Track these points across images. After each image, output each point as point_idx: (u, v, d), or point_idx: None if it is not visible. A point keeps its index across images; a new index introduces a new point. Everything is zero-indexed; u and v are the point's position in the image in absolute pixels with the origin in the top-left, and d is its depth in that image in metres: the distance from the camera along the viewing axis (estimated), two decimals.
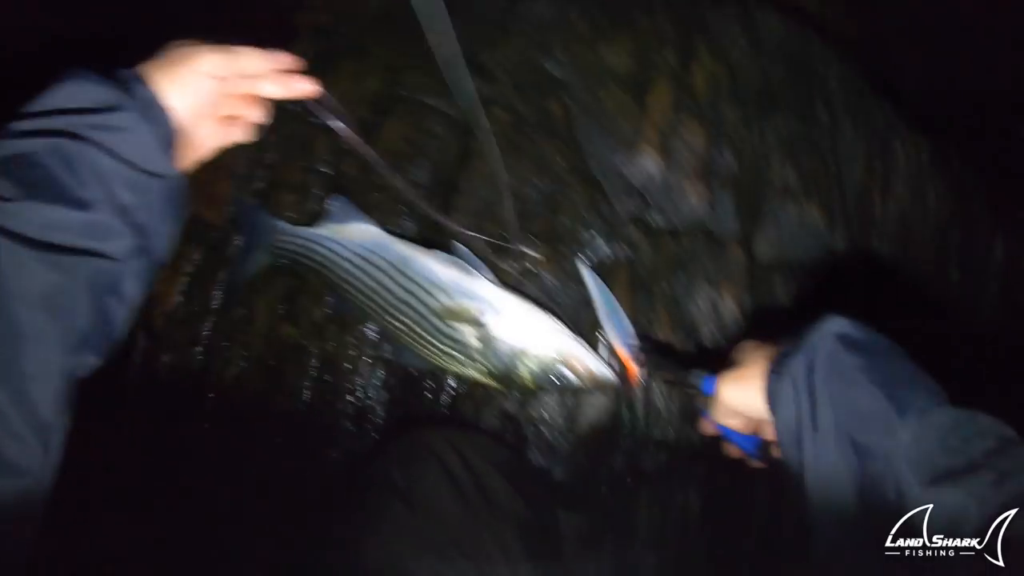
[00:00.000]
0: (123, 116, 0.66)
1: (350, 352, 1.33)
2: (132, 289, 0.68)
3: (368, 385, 1.33)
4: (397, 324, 1.20)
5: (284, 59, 0.83)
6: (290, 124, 1.46)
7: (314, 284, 1.36)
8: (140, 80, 0.70)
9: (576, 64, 1.38)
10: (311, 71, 1.43)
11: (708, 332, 1.35)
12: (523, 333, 1.15)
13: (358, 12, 1.52)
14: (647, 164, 1.35)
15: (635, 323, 1.28)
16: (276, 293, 1.39)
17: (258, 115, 0.85)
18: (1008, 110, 2.10)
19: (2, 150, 0.63)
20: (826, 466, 0.72)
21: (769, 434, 0.95)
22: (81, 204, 0.63)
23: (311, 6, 1.55)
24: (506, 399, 1.28)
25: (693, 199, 1.37)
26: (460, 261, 1.19)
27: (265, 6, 1.55)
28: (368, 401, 1.32)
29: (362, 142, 1.01)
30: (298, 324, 1.37)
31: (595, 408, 1.29)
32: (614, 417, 1.30)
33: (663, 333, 1.32)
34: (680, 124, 1.36)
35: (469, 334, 1.17)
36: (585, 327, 1.27)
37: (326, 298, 1.34)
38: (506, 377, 1.17)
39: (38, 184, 0.62)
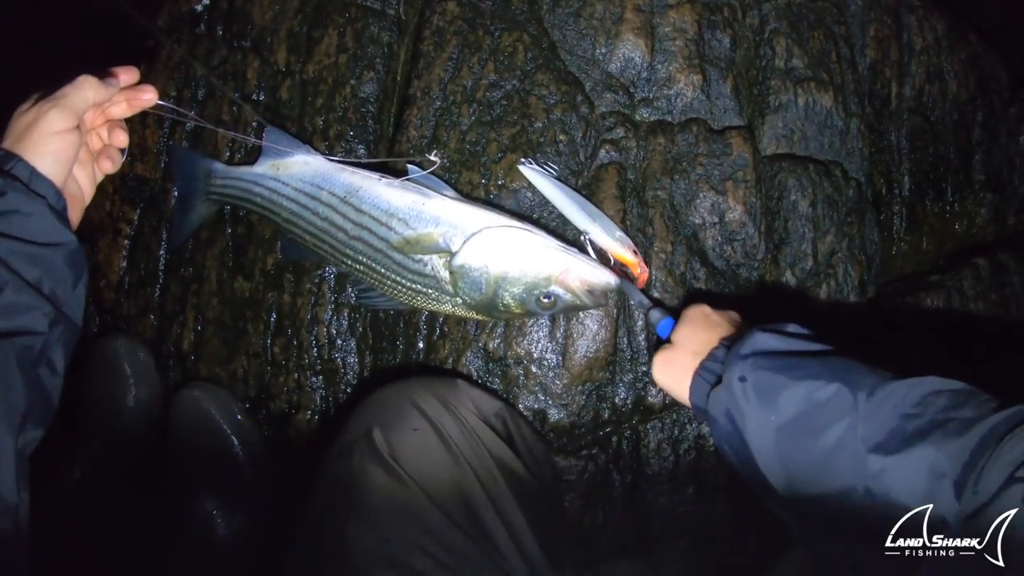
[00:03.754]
0: (9, 199, 0.68)
1: (311, 300, 1.16)
2: (59, 359, 0.70)
3: (335, 335, 1.17)
4: (355, 265, 1.03)
5: (123, 76, 0.85)
6: (218, 51, 1.28)
7: (261, 230, 1.19)
8: (15, 157, 0.72)
9: None
10: None
11: (713, 243, 1.17)
12: (501, 254, 0.97)
13: None
14: (630, 52, 1.16)
15: (628, 232, 1.11)
16: (222, 245, 1.22)
17: (120, 139, 0.86)
18: None
19: None
20: (772, 468, 0.72)
21: None
22: None
23: None
24: (489, 336, 1.11)
25: (686, 90, 1.18)
26: (415, 183, 1.01)
27: None
28: (336, 354, 1.16)
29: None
30: (251, 277, 1.21)
31: (590, 336, 1.12)
32: (612, 344, 1.14)
33: (660, 246, 1.14)
34: (665, 3, 1.17)
35: (437, 265, 0.99)
36: (569, 239, 1.09)
37: (276, 244, 1.17)
38: (488, 307, 1.00)
39: None
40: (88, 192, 0.83)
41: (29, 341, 0.66)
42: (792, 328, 0.80)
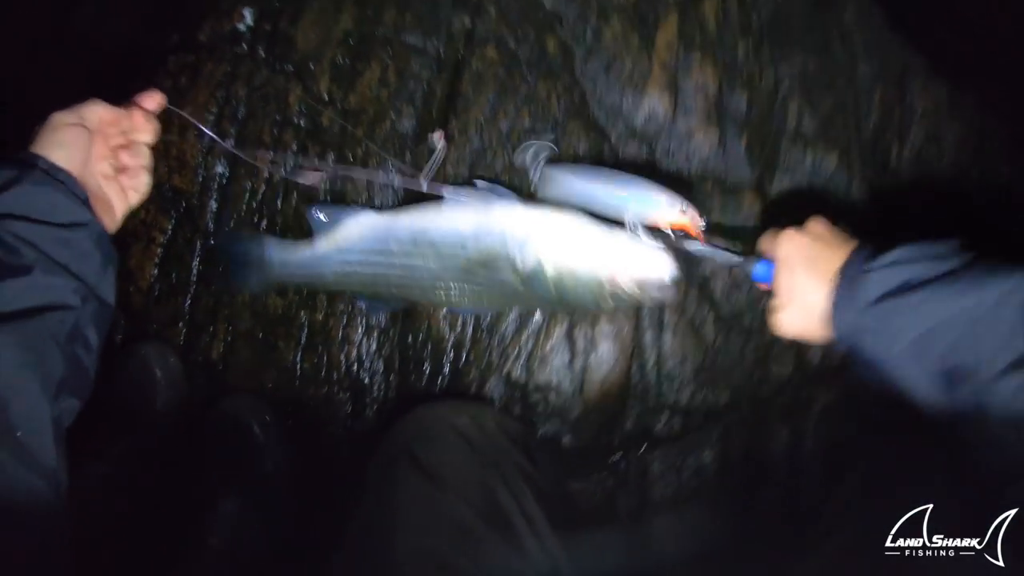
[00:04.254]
0: (27, 186, 0.72)
1: (343, 321, 1.22)
2: (92, 334, 0.73)
3: (364, 356, 1.23)
4: (441, 295, 1.06)
5: (144, 99, 0.88)
6: (260, 73, 1.34)
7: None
8: (32, 152, 0.76)
9: None
10: (279, 8, 1.34)
11: (722, 290, 1.25)
12: (555, 263, 0.97)
13: None
14: (654, 106, 1.24)
15: None
16: None
17: (137, 157, 0.88)
18: None
19: None
20: (919, 387, 0.69)
21: None
22: (22, 270, 0.68)
23: None
24: (513, 364, 1.18)
25: (704, 145, 1.26)
26: (471, 200, 1.03)
27: None
28: (364, 374, 1.22)
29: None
30: (284, 294, 1.27)
31: (606, 369, 1.20)
32: (625, 378, 1.21)
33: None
34: (690, 62, 1.25)
35: (509, 272, 1.00)
36: None
37: (357, 304, 1.22)
38: (568, 305, 1.06)
39: None
40: (118, 207, 0.86)
41: (61, 316, 0.70)
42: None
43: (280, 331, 1.25)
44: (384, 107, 1.24)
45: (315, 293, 1.24)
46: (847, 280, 0.76)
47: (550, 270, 0.98)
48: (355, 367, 1.22)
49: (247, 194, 1.29)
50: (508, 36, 1.23)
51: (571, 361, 1.19)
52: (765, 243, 0.91)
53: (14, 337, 0.65)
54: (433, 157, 1.09)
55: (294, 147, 1.28)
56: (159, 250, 1.36)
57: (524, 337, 1.19)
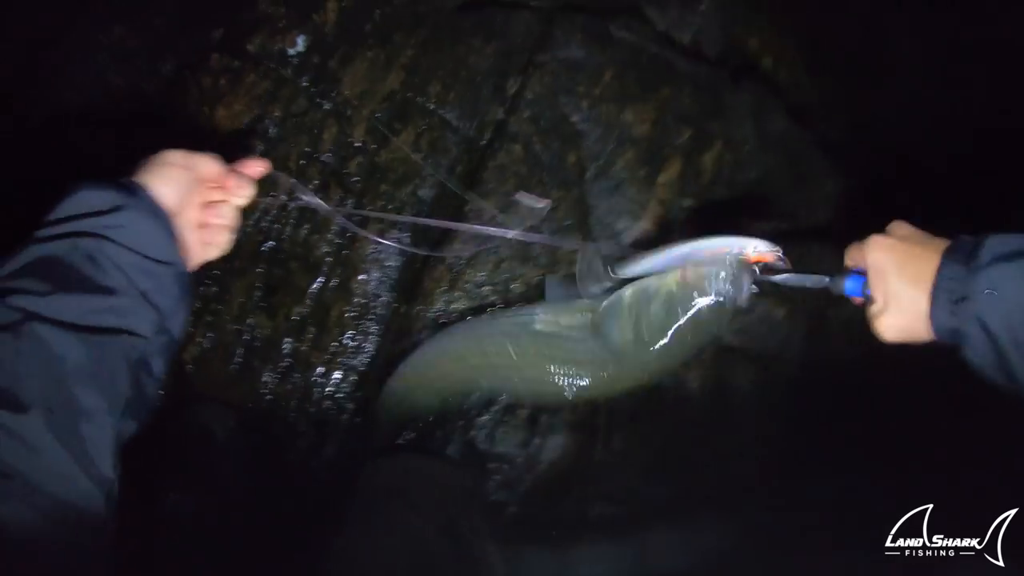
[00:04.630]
0: (129, 214, 0.75)
1: (325, 357, 1.31)
2: (158, 366, 0.76)
3: (339, 394, 1.32)
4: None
5: (247, 166, 0.90)
6: (299, 101, 1.41)
7: (299, 280, 1.33)
8: (136, 183, 0.79)
9: (598, 119, 1.40)
10: (332, 46, 1.41)
11: (670, 398, 1.42)
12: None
13: None
14: (645, 234, 1.39)
15: None
16: (253, 279, 1.35)
17: (230, 219, 0.89)
18: None
19: (29, 255, 0.72)
20: None
21: None
22: (107, 291, 0.72)
23: None
24: (472, 432, 1.30)
25: None
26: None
27: None
28: (334, 411, 1.31)
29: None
30: (274, 317, 1.34)
31: (557, 453, 1.33)
32: (574, 464, 1.35)
33: (631, 397, 1.37)
34: (682, 203, 1.41)
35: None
36: None
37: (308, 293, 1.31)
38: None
39: (68, 278, 0.71)
40: (196, 257, 0.86)
41: (133, 342, 0.72)
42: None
43: (260, 352, 1.33)
44: (412, 170, 1.35)
45: (304, 325, 1.32)
46: (949, 272, 0.75)
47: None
48: (327, 403, 1.31)
49: (258, 212, 1.36)
50: (536, 140, 1.36)
51: (529, 440, 1.32)
52: (851, 256, 0.90)
53: (88, 348, 0.68)
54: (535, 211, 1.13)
55: (316, 182, 1.36)
56: None
57: (492, 410, 1.31)
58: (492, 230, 1.04)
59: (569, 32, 1.42)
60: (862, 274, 0.87)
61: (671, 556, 1.35)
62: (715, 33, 1.73)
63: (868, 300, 0.86)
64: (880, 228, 0.87)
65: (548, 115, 1.38)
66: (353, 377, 1.32)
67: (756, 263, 0.97)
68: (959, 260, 0.75)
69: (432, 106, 1.38)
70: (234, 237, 0.89)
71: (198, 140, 0.94)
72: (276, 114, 1.41)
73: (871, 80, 2.03)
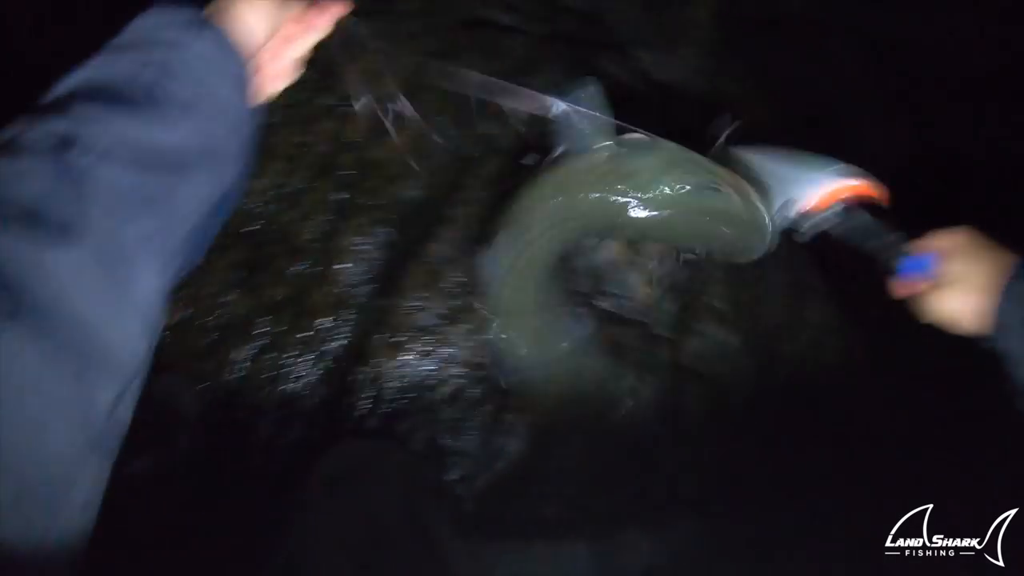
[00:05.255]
0: (204, 44, 0.66)
1: (300, 341, 1.34)
2: (225, 209, 0.70)
3: (308, 376, 1.36)
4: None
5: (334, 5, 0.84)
6: (301, 91, 1.46)
7: (280, 264, 1.37)
8: (223, 4, 0.71)
9: None
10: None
11: (624, 414, 1.48)
12: None
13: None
14: (612, 255, 1.47)
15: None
16: (238, 257, 1.38)
17: (301, 55, 0.85)
18: None
19: (84, 76, 0.61)
20: None
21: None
22: (171, 123, 0.62)
23: None
24: (436, 429, 1.35)
25: (642, 297, 1.51)
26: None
27: None
28: (303, 393, 1.34)
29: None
30: (255, 295, 1.37)
31: (515, 450, 1.39)
32: (531, 463, 1.40)
33: (585, 408, 1.44)
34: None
35: None
36: None
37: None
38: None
39: (134, 101, 0.61)
40: (264, 86, 0.81)
41: (220, 169, 0.67)
42: None
43: (235, 329, 1.35)
44: (403, 170, 1.40)
45: (283, 306, 1.35)
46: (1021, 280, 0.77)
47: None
48: (297, 386, 1.34)
49: (250, 194, 1.40)
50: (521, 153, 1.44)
51: (490, 438, 1.37)
52: (922, 244, 0.92)
53: (200, 138, 0.63)
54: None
55: (308, 172, 1.41)
56: None
57: (455, 406, 1.36)
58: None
59: (553, 58, 1.51)
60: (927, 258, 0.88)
61: (623, 557, 1.41)
62: (694, 78, 1.85)
63: (928, 278, 0.87)
64: None
65: (537, 131, 1.45)
66: (326, 363, 1.35)
67: (848, 198, 0.93)
68: None
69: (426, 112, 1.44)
70: (301, 71, 0.85)
71: None
72: (278, 101, 1.45)
73: (835, 141, 2.18)
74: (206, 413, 1.32)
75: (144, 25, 0.65)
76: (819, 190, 0.94)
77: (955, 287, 0.83)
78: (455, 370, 1.36)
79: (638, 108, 1.54)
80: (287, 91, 1.45)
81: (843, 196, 0.94)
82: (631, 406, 1.52)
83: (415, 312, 1.36)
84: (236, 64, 0.69)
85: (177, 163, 0.61)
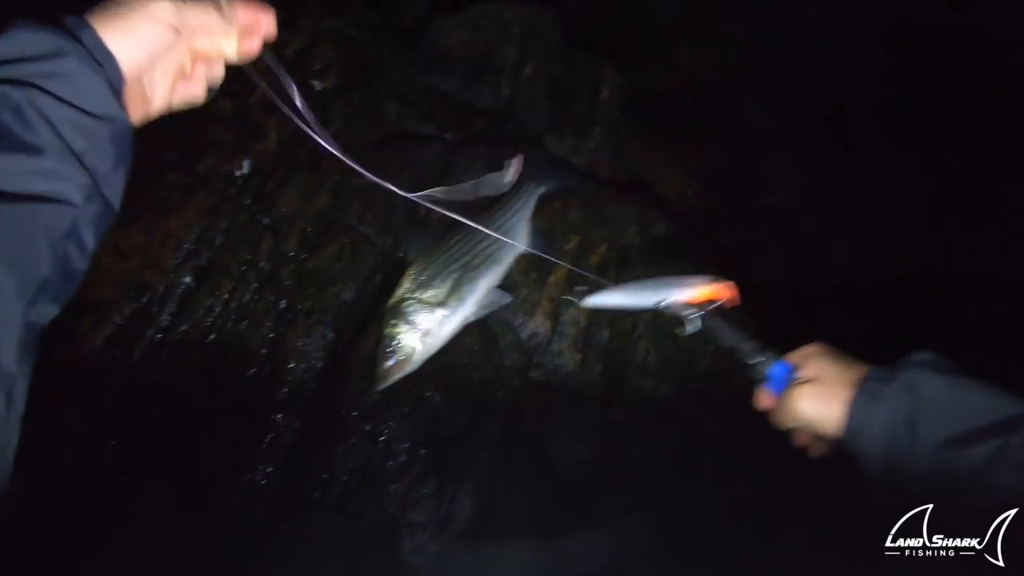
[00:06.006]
0: (69, 61, 0.66)
1: (257, 432, 1.50)
2: (89, 236, 0.67)
3: (266, 465, 1.51)
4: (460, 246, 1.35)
5: (252, 13, 0.79)
6: (242, 216, 1.66)
7: (234, 367, 1.53)
8: (86, 25, 0.68)
9: None
10: (271, 171, 1.68)
11: (563, 470, 1.62)
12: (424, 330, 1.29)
13: (322, 130, 1.74)
14: (537, 328, 1.64)
15: (505, 453, 1.53)
16: (197, 362, 1.55)
17: (215, 75, 0.80)
18: None
19: None
20: (922, 475, 0.73)
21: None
22: (32, 149, 0.63)
23: (279, 112, 1.76)
24: (385, 501, 1.49)
25: (569, 364, 1.66)
26: None
27: (235, 95, 1.73)
28: (264, 483, 1.49)
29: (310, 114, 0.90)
30: (218, 396, 1.53)
31: (464, 514, 1.52)
32: (479, 529, 1.53)
33: (524, 465, 1.58)
34: (571, 303, 1.66)
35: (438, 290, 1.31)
36: None
37: None
38: (392, 314, 1.27)
39: None
40: (157, 105, 0.77)
41: (61, 211, 0.64)
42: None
43: (199, 425, 1.51)
44: (335, 277, 1.58)
45: (236, 402, 1.51)
46: (877, 373, 0.84)
47: None
48: (255, 473, 1.49)
49: (203, 311, 1.57)
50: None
51: (437, 507, 1.50)
52: (789, 356, 0.98)
53: (6, 223, 0.60)
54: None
55: (254, 285, 1.59)
56: (111, 328, 1.58)
57: (403, 481, 1.50)
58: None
59: (472, 160, 1.70)
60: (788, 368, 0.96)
61: None
62: (607, 156, 2.04)
63: (791, 382, 0.94)
64: None
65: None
66: (281, 451, 1.50)
67: (706, 302, 1.04)
68: (885, 368, 0.86)
69: (354, 223, 1.63)
70: (213, 94, 0.80)
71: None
72: (222, 226, 1.64)
73: (751, 189, 2.37)
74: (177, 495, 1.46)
75: (7, 44, 0.66)
76: (682, 295, 1.06)
77: (811, 389, 0.89)
78: (397, 449, 1.51)
79: (550, 194, 1.73)
80: (228, 213, 1.67)
81: (699, 302, 1.05)
82: (570, 465, 1.66)
83: (358, 399, 1.52)
84: (100, 80, 0.67)
85: (39, 192, 0.62)
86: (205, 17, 0.75)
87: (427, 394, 1.55)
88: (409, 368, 1.25)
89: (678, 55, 2.82)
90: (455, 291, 1.30)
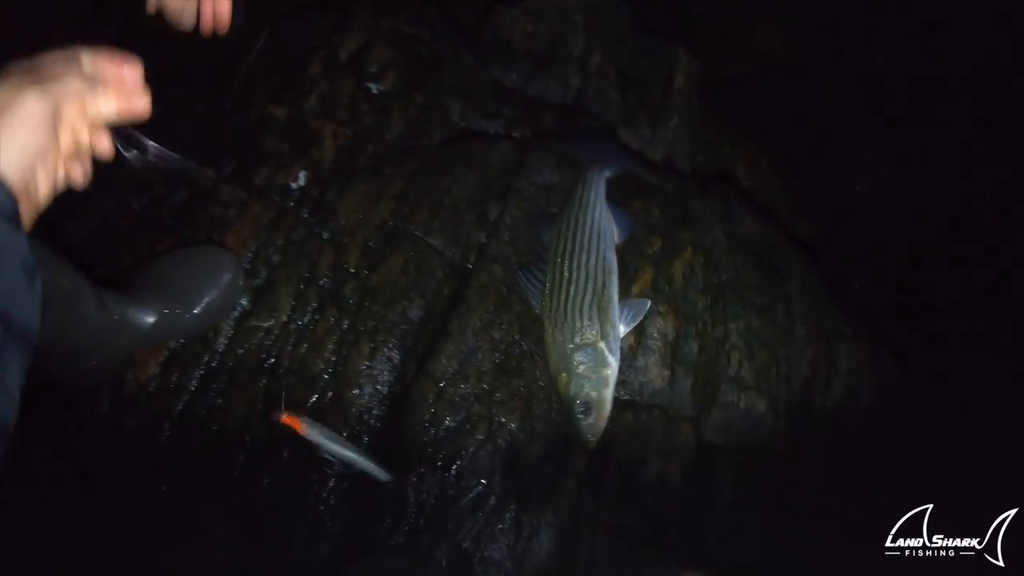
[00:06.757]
0: None
1: (320, 464, 1.39)
2: (10, 376, 0.62)
3: (331, 497, 1.39)
4: (574, 273, 1.36)
5: (123, 69, 0.74)
6: (299, 230, 1.55)
7: (295, 395, 1.42)
8: None
9: None
10: (329, 180, 1.57)
11: (653, 501, 1.46)
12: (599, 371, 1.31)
13: (381, 135, 1.63)
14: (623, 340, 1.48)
15: (588, 480, 1.39)
16: (258, 393, 1.45)
17: (103, 146, 0.77)
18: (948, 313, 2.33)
19: None
20: None
21: None
22: None
23: (337, 117, 1.65)
24: (459, 536, 1.35)
25: (656, 381, 1.50)
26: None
27: (291, 102, 1.63)
28: (327, 514, 1.38)
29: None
30: (273, 427, 1.43)
31: (543, 556, 1.38)
32: (560, 568, 1.39)
33: (610, 496, 1.42)
34: (656, 311, 1.50)
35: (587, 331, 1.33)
36: None
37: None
38: (563, 370, 1.32)
39: None
40: (43, 195, 0.71)
41: None
42: None
43: (260, 457, 1.41)
44: (400, 292, 1.46)
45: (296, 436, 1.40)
46: None
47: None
48: (320, 506, 1.38)
49: (261, 333, 1.47)
50: (515, 260, 1.47)
51: (515, 543, 1.37)
52: None
53: None
54: None
55: (314, 305, 1.48)
56: (166, 353, 1.51)
57: (478, 515, 1.37)
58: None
59: (542, 158, 1.56)
60: None
61: None
62: (685, 147, 1.87)
63: None
64: None
65: (525, 237, 1.50)
66: (348, 482, 1.39)
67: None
68: None
69: (419, 233, 1.51)
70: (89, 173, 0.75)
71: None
72: (279, 242, 1.54)
73: (837, 177, 2.17)
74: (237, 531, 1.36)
75: None
76: None
77: None
78: (471, 480, 1.37)
79: (629, 192, 1.57)
80: (286, 227, 1.57)
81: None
82: (659, 492, 1.49)
83: (427, 427, 1.39)
84: None
85: None
86: (73, 86, 0.70)
87: (503, 419, 1.41)
88: (608, 410, 1.31)
89: (750, 36, 2.64)
90: (603, 318, 1.33)
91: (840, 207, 2.12)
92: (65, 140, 0.72)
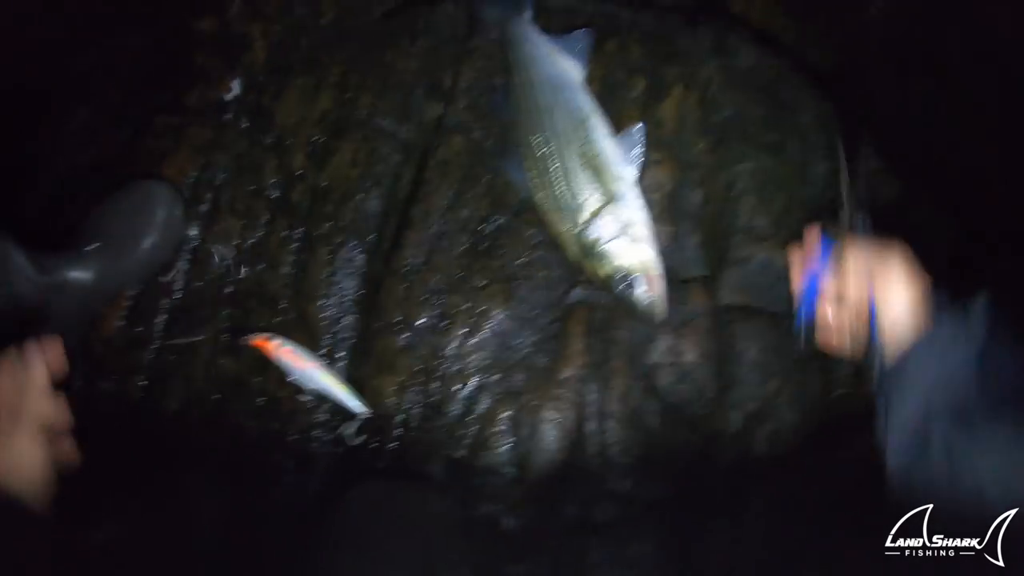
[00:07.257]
0: None
1: (293, 391, 1.25)
2: None
3: (315, 426, 1.26)
4: (549, 147, 1.20)
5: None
6: (240, 143, 1.39)
7: (260, 317, 1.29)
8: None
9: None
10: (264, 83, 1.41)
11: (666, 381, 1.29)
12: (626, 232, 1.18)
13: (313, 24, 1.45)
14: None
15: (589, 366, 1.23)
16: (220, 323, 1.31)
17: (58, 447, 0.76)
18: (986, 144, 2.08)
19: None
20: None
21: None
22: None
23: (265, 15, 1.48)
24: (452, 448, 1.21)
25: (659, 239, 1.31)
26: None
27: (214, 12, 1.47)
28: (314, 443, 1.25)
29: None
30: (240, 358, 1.30)
31: (546, 456, 1.23)
32: (566, 465, 1.24)
33: (618, 381, 1.26)
34: (647, 160, 1.30)
35: (590, 200, 1.18)
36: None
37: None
38: (587, 256, 1.19)
39: None
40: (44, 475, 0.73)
41: None
42: None
43: (231, 391, 1.28)
44: (353, 187, 1.30)
45: (265, 360, 1.26)
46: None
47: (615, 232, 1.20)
48: (305, 436, 1.25)
49: (215, 259, 1.33)
50: (476, 127, 1.29)
51: (514, 446, 1.22)
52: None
53: None
54: None
55: (265, 218, 1.33)
56: (126, 304, 1.39)
57: (470, 420, 1.22)
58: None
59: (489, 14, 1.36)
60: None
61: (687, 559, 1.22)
62: None
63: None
64: None
65: (485, 100, 1.31)
66: (325, 406, 1.25)
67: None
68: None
69: (365, 118, 1.33)
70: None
71: None
72: (220, 161, 1.39)
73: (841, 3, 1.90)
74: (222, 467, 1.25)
75: None
76: None
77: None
78: (457, 383, 1.22)
79: (599, 33, 1.37)
80: (226, 144, 1.41)
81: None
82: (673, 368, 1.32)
83: (401, 330, 1.24)
84: None
85: None
86: (45, 404, 0.73)
87: (483, 307, 1.25)
88: (657, 269, 1.20)
89: None
90: (602, 177, 1.19)
91: (853, 33, 1.86)
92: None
